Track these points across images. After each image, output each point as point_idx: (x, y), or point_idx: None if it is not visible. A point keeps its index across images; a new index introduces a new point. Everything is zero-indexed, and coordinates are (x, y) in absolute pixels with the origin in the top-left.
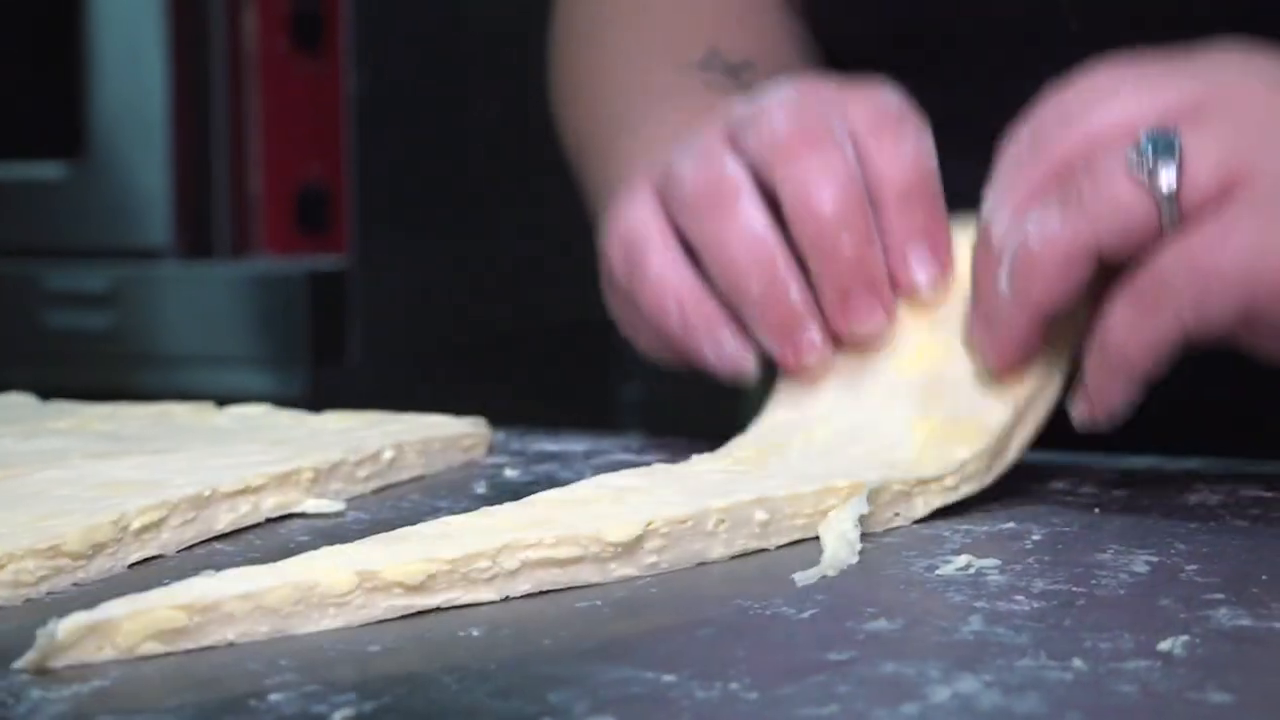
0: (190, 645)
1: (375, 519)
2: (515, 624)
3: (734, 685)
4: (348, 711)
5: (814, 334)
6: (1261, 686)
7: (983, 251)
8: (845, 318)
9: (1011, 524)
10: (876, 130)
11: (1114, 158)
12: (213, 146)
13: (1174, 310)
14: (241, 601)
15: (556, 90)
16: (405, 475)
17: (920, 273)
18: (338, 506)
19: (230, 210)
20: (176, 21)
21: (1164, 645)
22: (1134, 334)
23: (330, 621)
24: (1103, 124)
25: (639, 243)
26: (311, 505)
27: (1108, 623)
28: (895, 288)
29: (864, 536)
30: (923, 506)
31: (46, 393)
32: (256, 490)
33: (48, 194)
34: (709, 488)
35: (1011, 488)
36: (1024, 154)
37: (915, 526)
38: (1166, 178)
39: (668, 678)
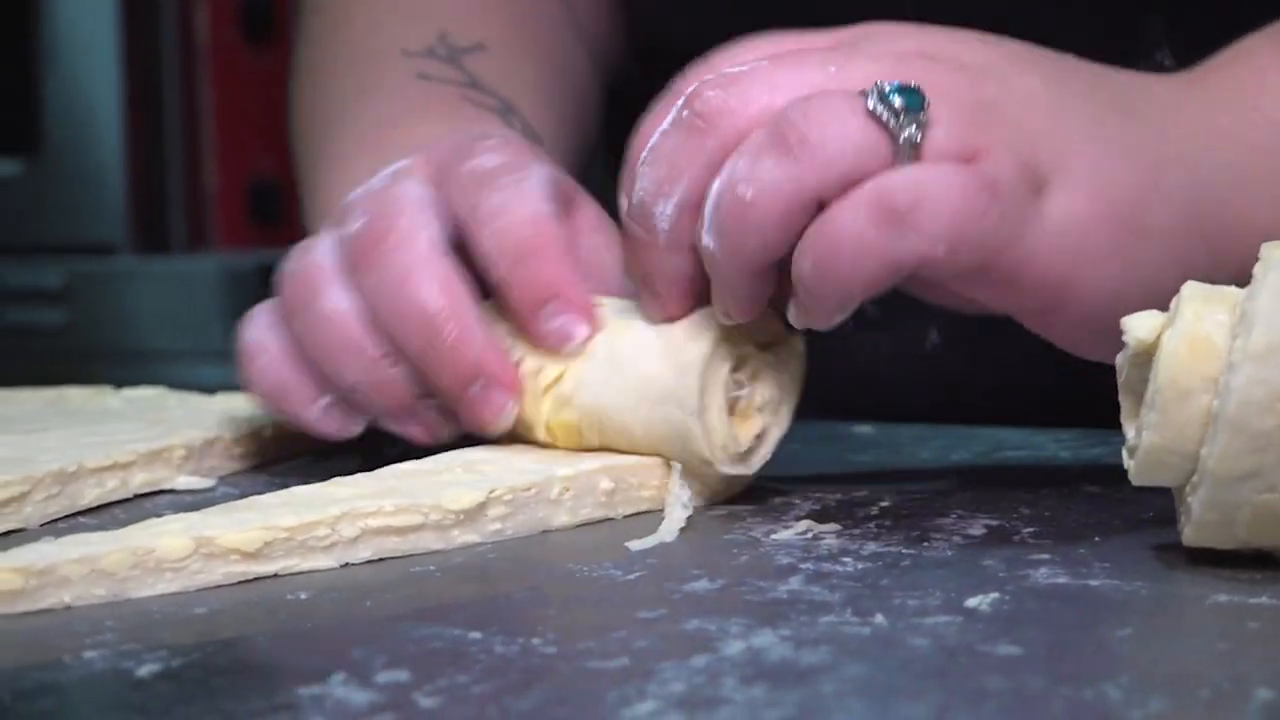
0: (28, 607)
1: (245, 495)
2: (345, 588)
3: (536, 641)
4: (154, 668)
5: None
6: (1052, 640)
7: (640, 233)
8: (470, 416)
9: (864, 491)
10: (477, 196)
11: (840, 101)
12: (166, 141)
13: (927, 235)
14: (77, 565)
15: (292, 85)
16: (286, 453)
17: (553, 339)
18: (208, 483)
19: (185, 205)
20: (128, 17)
21: (971, 602)
22: (868, 249)
23: (166, 586)
24: (781, 93)
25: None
26: (182, 482)
27: (924, 582)
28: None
29: (712, 505)
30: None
31: None
32: (125, 467)
33: (2, 191)
34: (561, 458)
35: (880, 458)
36: (682, 129)
37: (767, 494)
38: (911, 122)
39: (473, 635)
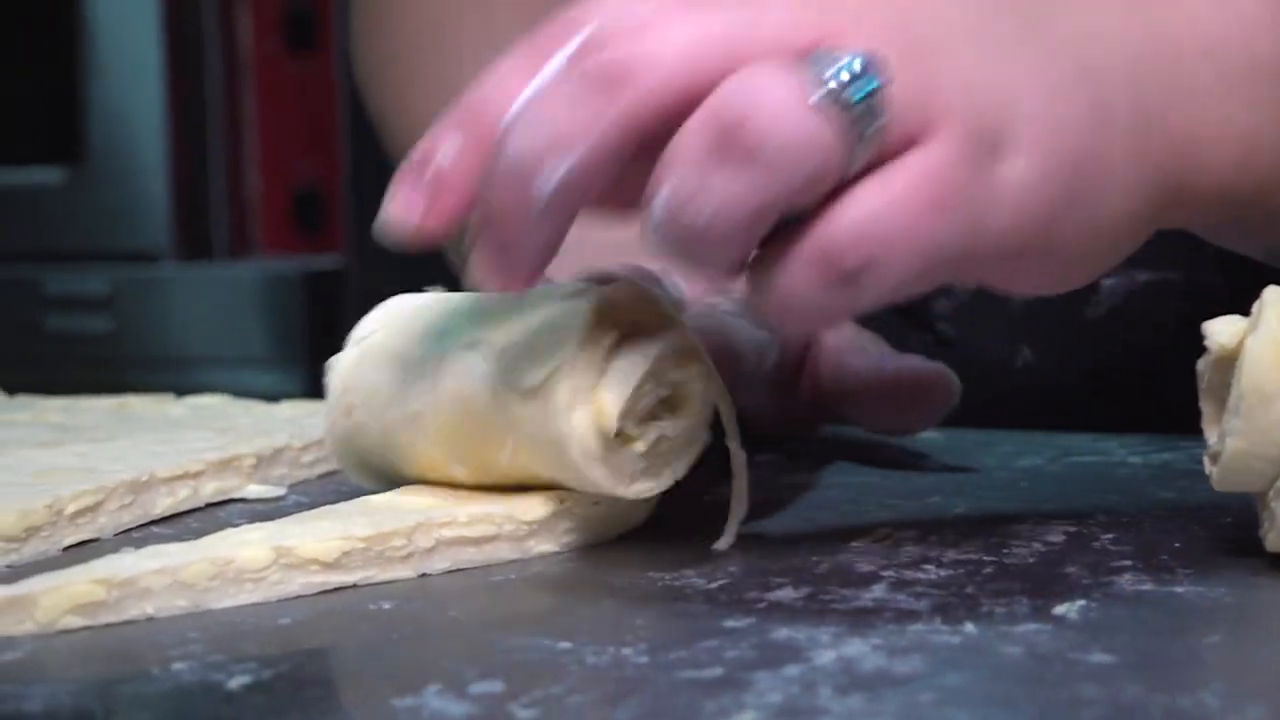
0: (111, 619)
1: (315, 503)
2: (427, 598)
3: (626, 650)
4: (244, 679)
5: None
6: (1144, 647)
7: (506, 199)
8: None
9: (938, 498)
10: None
11: (787, 94)
12: (209, 148)
13: (884, 287)
14: (158, 576)
15: (386, 99)
16: None
17: None
18: (279, 491)
19: (228, 212)
20: (171, 25)
21: (1059, 609)
22: (825, 310)
23: (247, 596)
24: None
25: None
26: (253, 490)
27: (1009, 589)
28: None
29: (784, 508)
30: None
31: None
32: (195, 475)
33: (47, 198)
34: None
35: (946, 464)
36: (574, 85)
37: (840, 501)
38: (868, 119)
39: (563, 644)
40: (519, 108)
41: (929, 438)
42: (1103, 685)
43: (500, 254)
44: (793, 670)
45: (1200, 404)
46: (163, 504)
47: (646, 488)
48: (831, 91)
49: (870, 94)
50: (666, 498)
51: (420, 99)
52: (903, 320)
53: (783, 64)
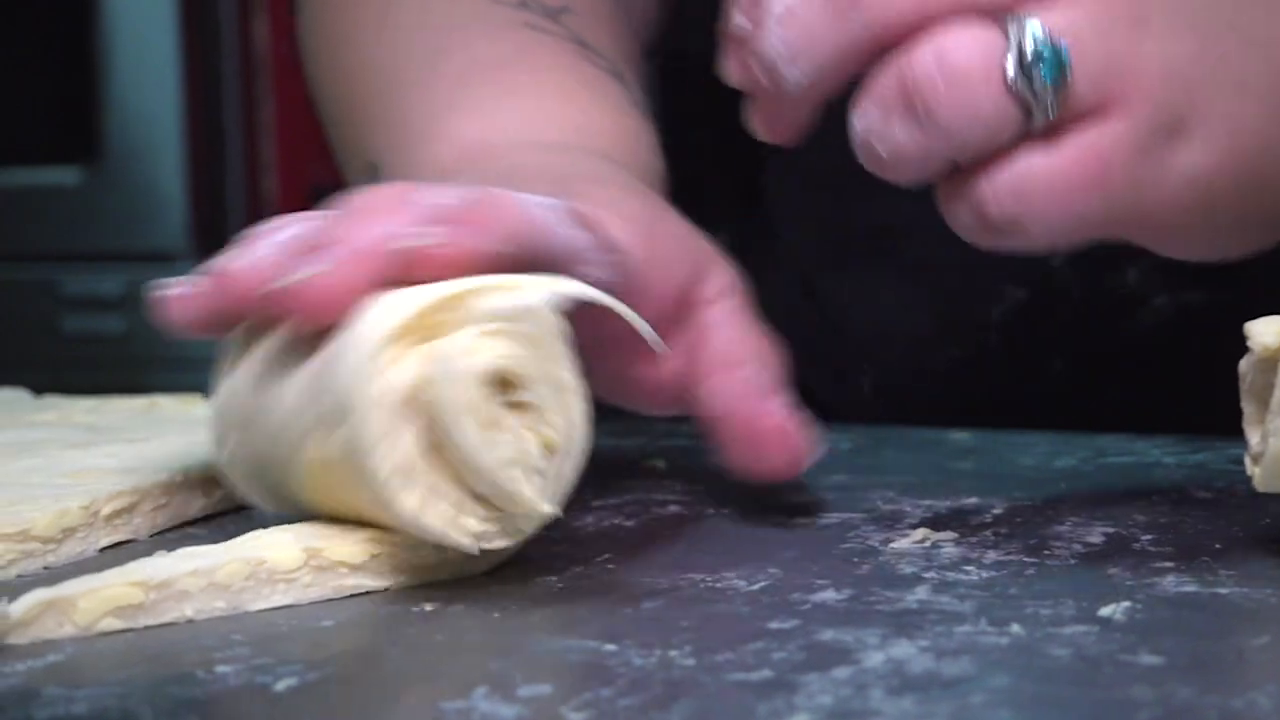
0: (150, 621)
1: None
2: (469, 600)
3: (673, 653)
4: (291, 682)
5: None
6: (1193, 649)
7: (762, 80)
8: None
9: (975, 499)
10: None
11: (976, 67)
12: (227, 149)
13: (1029, 239)
14: (194, 578)
15: (314, 32)
16: None
17: None
18: None
19: (245, 212)
20: (188, 26)
21: (1105, 611)
22: (978, 239)
23: (281, 598)
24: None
25: None
26: None
27: (1053, 591)
28: None
29: (824, 513)
30: None
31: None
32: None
33: (63, 199)
34: None
35: (982, 465)
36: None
37: (876, 502)
38: (1050, 98)
39: (609, 647)
40: (776, 10)
41: (961, 439)
42: (1154, 687)
43: (763, 115)
44: (842, 672)
45: (1242, 404)
46: (197, 505)
47: (544, 516)
48: (1019, 71)
49: (1057, 81)
50: (703, 495)
51: (349, 43)
52: (951, 329)
53: (979, 29)
